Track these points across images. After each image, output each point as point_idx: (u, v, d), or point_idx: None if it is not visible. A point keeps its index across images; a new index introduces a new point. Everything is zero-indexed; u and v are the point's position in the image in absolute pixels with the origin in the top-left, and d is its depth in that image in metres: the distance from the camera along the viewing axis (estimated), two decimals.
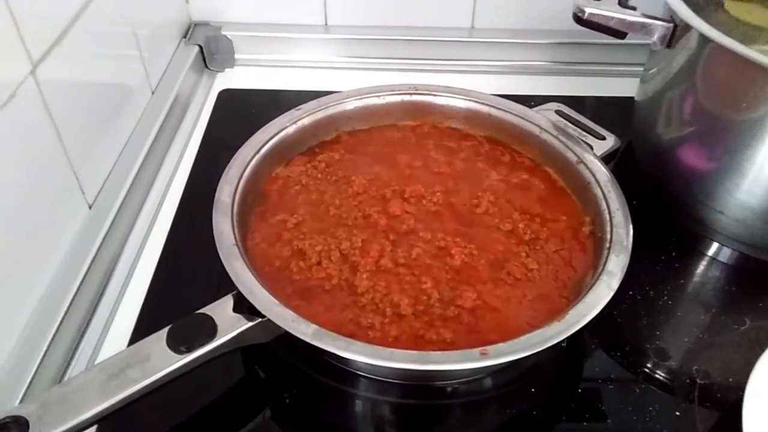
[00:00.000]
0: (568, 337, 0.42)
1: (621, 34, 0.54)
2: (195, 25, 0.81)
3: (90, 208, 0.56)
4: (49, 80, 0.48)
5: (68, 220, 0.53)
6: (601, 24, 0.54)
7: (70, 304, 0.50)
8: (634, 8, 0.54)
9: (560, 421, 0.47)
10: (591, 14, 0.54)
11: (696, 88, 0.52)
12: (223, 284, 0.45)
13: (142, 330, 0.49)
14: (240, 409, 0.47)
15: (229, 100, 0.75)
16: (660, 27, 0.53)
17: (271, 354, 0.49)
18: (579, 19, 0.54)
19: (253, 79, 0.78)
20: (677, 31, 0.52)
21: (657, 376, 0.49)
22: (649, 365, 0.50)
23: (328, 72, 0.80)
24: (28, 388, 0.45)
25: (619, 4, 0.54)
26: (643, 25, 0.53)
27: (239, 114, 0.72)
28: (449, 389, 0.48)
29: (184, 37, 0.79)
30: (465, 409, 0.48)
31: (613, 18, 0.53)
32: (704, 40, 0.49)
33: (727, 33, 0.49)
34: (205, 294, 0.45)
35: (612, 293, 0.44)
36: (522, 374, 0.49)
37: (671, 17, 0.53)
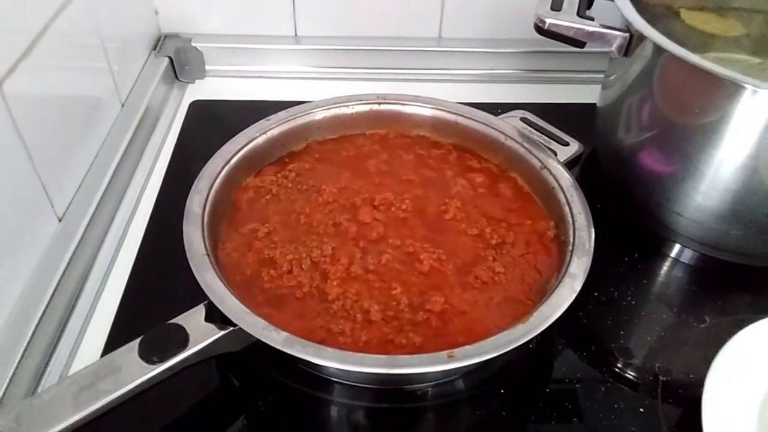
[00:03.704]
0: (535, 338, 0.43)
1: (580, 44, 0.56)
2: (165, 36, 0.81)
3: (60, 221, 0.56)
4: (15, 94, 0.48)
5: (37, 234, 0.53)
6: (560, 34, 0.55)
7: (42, 316, 0.50)
8: (592, 18, 0.55)
9: (529, 420, 0.48)
10: (551, 24, 0.55)
11: (653, 94, 0.54)
12: (196, 294, 0.45)
13: (115, 341, 0.49)
14: (215, 418, 0.47)
15: (199, 111, 0.75)
16: (617, 37, 0.55)
17: (245, 362, 0.49)
18: (540, 29, 0.56)
19: (224, 90, 0.79)
20: (633, 40, 0.54)
21: (621, 374, 0.50)
22: (614, 364, 0.51)
23: (298, 82, 0.81)
24: (0, 400, 0.45)
25: (578, 14, 0.55)
26: (601, 35, 0.55)
27: (210, 125, 0.73)
28: (420, 392, 0.49)
29: (154, 49, 0.79)
30: (436, 412, 0.49)
31: (572, 28, 0.55)
32: (658, 49, 0.51)
33: (683, 41, 0.50)
34: (178, 304, 0.45)
35: (575, 295, 0.45)
36: (492, 375, 0.50)
37: (627, 27, 0.54)
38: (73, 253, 0.54)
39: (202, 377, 0.49)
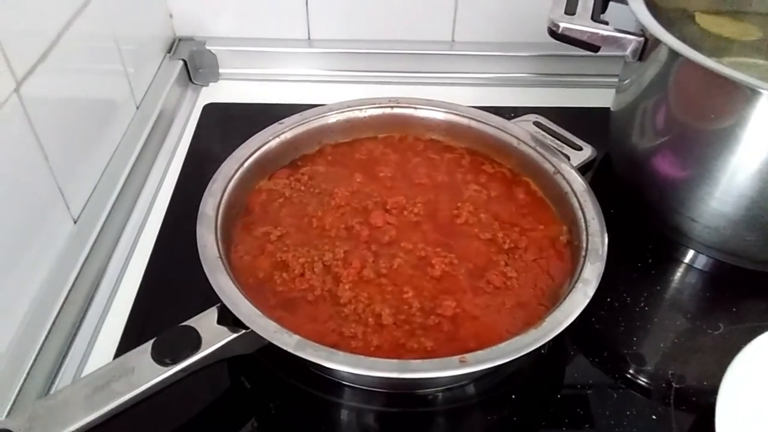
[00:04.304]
0: (548, 344, 0.43)
1: (594, 48, 0.55)
2: (179, 40, 0.82)
3: (75, 222, 0.56)
4: (33, 97, 0.49)
5: (53, 235, 0.54)
6: (575, 38, 0.55)
7: (56, 318, 0.50)
8: (606, 23, 0.55)
9: (540, 426, 0.48)
10: (565, 28, 0.55)
11: (667, 99, 0.54)
12: (209, 297, 0.45)
13: (128, 343, 0.50)
14: (226, 420, 0.47)
15: (213, 114, 0.76)
16: (632, 41, 0.54)
17: (256, 365, 0.49)
18: (554, 33, 0.55)
19: (238, 92, 0.79)
20: (648, 45, 0.54)
21: (634, 380, 0.50)
22: (626, 370, 0.51)
23: (312, 85, 0.81)
24: (15, 400, 0.45)
25: (592, 18, 0.55)
26: (616, 40, 0.55)
27: (224, 128, 0.73)
28: (431, 397, 0.49)
29: (169, 52, 0.80)
30: (447, 417, 0.49)
31: (586, 32, 0.55)
32: (673, 53, 0.51)
33: (699, 46, 0.50)
34: (191, 306, 0.46)
35: (587, 300, 0.45)
36: (503, 381, 0.50)
37: (642, 31, 0.54)
38: (88, 255, 0.55)
39: (213, 379, 0.49)
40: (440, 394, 0.49)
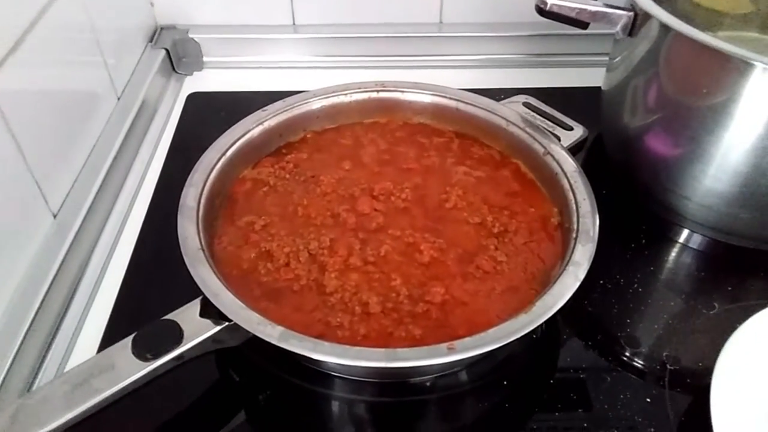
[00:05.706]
0: (540, 328, 0.42)
1: (583, 25, 0.54)
2: (161, 28, 0.80)
3: (54, 217, 0.55)
4: (4, 90, 0.48)
5: (32, 231, 0.53)
6: (563, 15, 0.54)
7: (36, 314, 0.49)
8: None
9: (534, 411, 0.47)
10: (553, 5, 0.54)
11: (659, 75, 0.53)
12: (194, 289, 0.44)
13: (111, 338, 0.48)
14: (215, 413, 0.47)
15: (198, 103, 0.75)
16: (622, 16, 0.53)
17: (244, 357, 0.48)
18: (541, 10, 0.54)
19: (222, 81, 0.78)
20: (638, 19, 0.53)
21: (628, 363, 0.49)
22: (620, 353, 0.50)
23: (298, 72, 0.80)
24: None
25: None
26: (605, 15, 0.54)
27: (209, 117, 0.72)
28: (423, 385, 0.48)
29: (150, 41, 0.78)
30: (440, 404, 0.48)
31: (574, 8, 0.54)
32: (664, 27, 0.50)
33: (689, 19, 0.49)
34: (176, 300, 0.45)
35: (578, 283, 0.44)
36: (496, 366, 0.49)
37: (631, 6, 0.53)
38: (68, 250, 0.54)
39: (201, 372, 0.48)
40: (432, 381, 0.48)
